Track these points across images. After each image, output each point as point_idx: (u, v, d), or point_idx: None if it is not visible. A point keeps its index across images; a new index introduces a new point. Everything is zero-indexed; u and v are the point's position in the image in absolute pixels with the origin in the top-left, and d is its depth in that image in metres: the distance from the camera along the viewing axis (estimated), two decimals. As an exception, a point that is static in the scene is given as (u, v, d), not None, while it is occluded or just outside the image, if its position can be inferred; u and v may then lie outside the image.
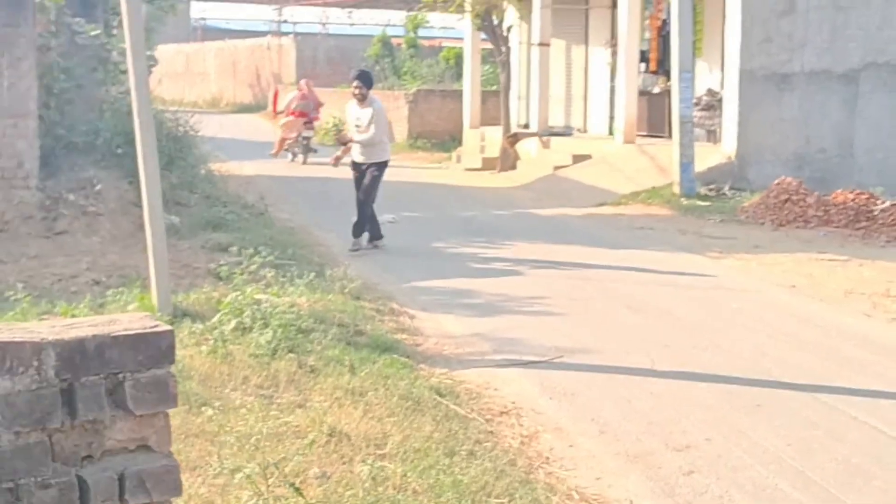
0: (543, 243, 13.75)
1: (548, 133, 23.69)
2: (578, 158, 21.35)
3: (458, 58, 42.07)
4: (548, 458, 5.78)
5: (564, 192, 18.90)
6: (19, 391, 2.34)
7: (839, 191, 15.98)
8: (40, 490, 2.37)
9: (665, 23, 21.86)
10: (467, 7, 23.82)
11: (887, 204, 15.19)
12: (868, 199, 15.61)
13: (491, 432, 6.09)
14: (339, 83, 45.21)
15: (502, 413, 6.54)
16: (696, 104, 19.84)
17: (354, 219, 13.14)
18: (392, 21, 61.66)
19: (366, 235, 13.18)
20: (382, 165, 13.29)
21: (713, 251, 13.11)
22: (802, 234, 14.50)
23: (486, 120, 27.00)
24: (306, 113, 25.33)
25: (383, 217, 15.42)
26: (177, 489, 2.52)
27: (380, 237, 13.28)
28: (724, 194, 17.52)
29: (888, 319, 9.49)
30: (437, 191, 19.97)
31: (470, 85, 27.47)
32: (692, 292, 10.63)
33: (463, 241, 13.82)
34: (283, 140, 24.88)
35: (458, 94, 29.69)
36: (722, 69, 19.48)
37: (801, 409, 6.71)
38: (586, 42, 25.41)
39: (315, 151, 24.77)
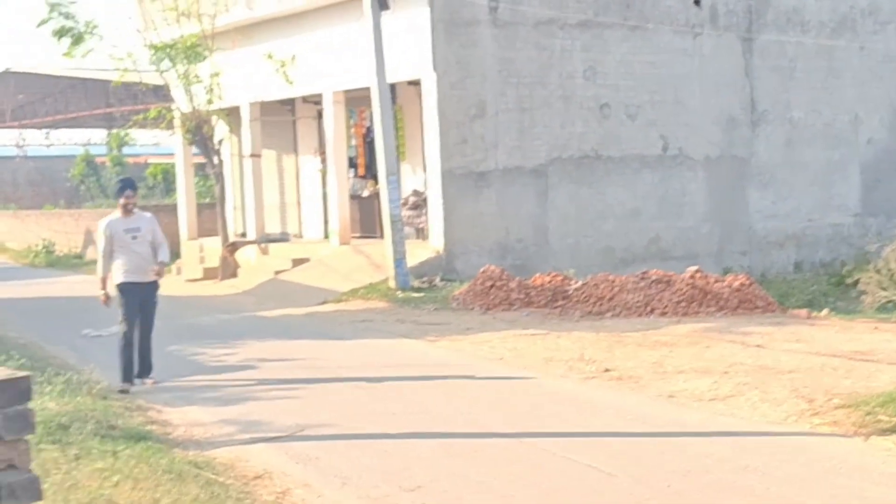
0: (272, 340, 14.64)
1: (265, 240, 24.67)
2: (298, 262, 22.38)
3: (166, 173, 42.62)
4: (301, 506, 6.69)
5: (287, 295, 19.84)
6: (-82, 426, 3.11)
7: (538, 275, 17.65)
8: (-63, 501, 3.13)
9: (369, 130, 23.38)
10: (177, 123, 24.61)
11: (579, 283, 16.89)
12: (563, 280, 17.31)
13: (248, 492, 6.94)
14: (43, 204, 44.80)
15: (256, 477, 7.38)
16: (404, 204, 21.30)
17: (121, 350, 11.51)
18: (93, 140, 61.39)
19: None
20: (157, 285, 11.84)
21: (429, 336, 14.32)
22: (508, 316, 15.94)
23: (204, 231, 27.69)
24: None
25: (112, 329, 15.94)
26: (39, 495, 3.32)
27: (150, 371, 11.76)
28: (435, 285, 18.88)
29: (581, 379, 10.88)
30: (162, 301, 20.43)
31: (185, 198, 28.11)
32: (412, 370, 11.78)
33: (196, 344, 14.49)
34: None
35: (171, 208, 30.22)
36: (425, 170, 21.05)
37: (509, 451, 7.89)
38: (296, 151, 26.67)
39: None
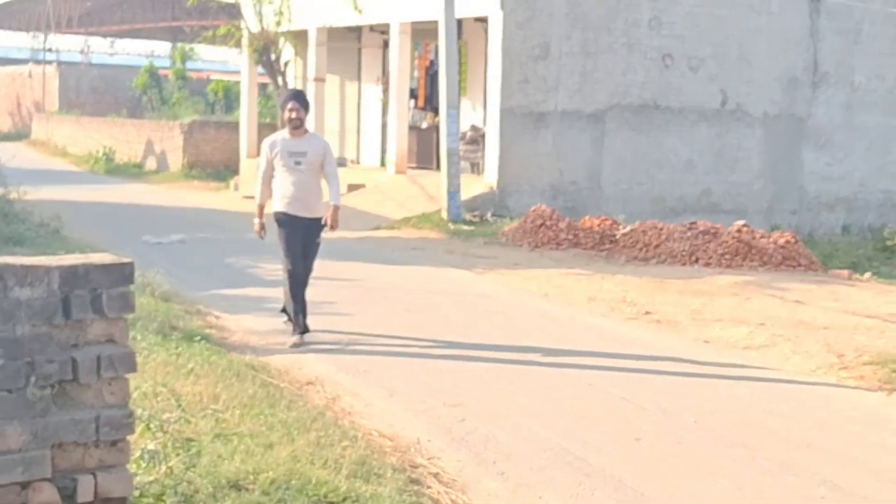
0: (326, 260, 14.99)
1: (322, 163, 25.05)
2: (353, 188, 22.79)
3: (227, 90, 43.04)
4: (350, 412, 7.16)
5: (341, 218, 20.21)
6: (35, 297, 3.54)
7: (587, 217, 17.96)
8: (47, 364, 3.57)
9: (433, 63, 23.64)
10: (245, 42, 25.00)
11: (628, 229, 17.19)
12: (612, 224, 17.61)
13: (301, 395, 7.41)
14: (106, 112, 45.46)
15: (308, 383, 7.86)
16: (462, 138, 21.60)
17: (291, 294, 9.78)
18: (156, 52, 62.10)
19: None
20: (322, 224, 10.03)
21: (478, 268, 14.71)
22: (555, 255, 16.29)
23: (263, 150, 28.08)
24: None
25: (172, 237, 16.54)
26: (134, 368, 3.76)
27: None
28: (486, 220, 19.26)
29: (622, 319, 11.26)
30: (220, 216, 21.06)
31: (247, 116, 28.55)
32: (460, 298, 12.20)
33: (252, 258, 14.95)
34: None
35: (233, 126, 30.67)
36: (484, 107, 21.33)
37: (550, 379, 8.30)
38: (359, 79, 27.00)
39: None
